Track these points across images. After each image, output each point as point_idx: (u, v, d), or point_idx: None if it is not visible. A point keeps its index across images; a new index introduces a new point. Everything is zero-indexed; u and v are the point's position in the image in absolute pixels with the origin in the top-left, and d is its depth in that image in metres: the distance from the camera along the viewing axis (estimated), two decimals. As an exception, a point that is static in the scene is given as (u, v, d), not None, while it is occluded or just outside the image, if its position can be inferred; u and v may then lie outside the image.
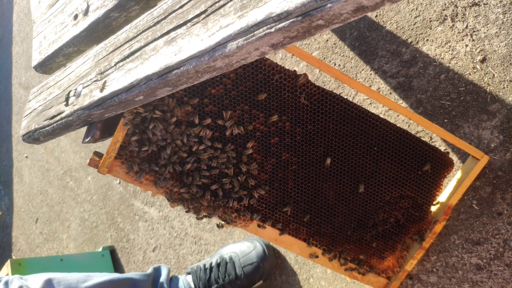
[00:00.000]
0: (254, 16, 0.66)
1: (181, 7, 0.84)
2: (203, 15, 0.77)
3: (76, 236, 3.67)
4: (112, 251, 3.15)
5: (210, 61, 0.75)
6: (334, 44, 1.82)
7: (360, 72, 1.71)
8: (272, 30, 0.64)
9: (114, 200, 3.25)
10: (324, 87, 1.37)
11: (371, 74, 1.67)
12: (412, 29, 1.58)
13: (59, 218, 3.96)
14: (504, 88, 1.35)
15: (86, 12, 1.25)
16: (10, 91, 5.38)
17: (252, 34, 0.67)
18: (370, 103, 1.68)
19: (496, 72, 1.37)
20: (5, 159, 5.13)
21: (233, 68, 0.77)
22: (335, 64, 1.80)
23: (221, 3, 0.73)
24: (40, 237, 4.21)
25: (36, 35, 1.56)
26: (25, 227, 4.53)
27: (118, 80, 0.96)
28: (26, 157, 4.77)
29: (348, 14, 0.59)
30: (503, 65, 1.36)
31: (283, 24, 0.63)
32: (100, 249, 3.16)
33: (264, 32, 0.65)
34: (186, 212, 1.21)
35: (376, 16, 1.70)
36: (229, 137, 1.18)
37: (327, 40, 1.86)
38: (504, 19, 1.35)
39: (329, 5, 0.57)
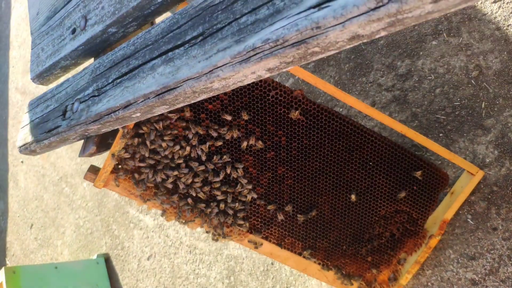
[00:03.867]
0: (251, 41, 0.66)
1: (178, 27, 0.85)
2: (201, 37, 0.77)
3: (70, 243, 3.65)
4: (107, 259, 3.14)
5: (207, 82, 0.75)
6: (330, 56, 1.83)
7: (355, 85, 1.72)
8: (269, 55, 0.65)
9: (109, 207, 3.24)
10: (320, 102, 1.37)
11: (366, 87, 1.68)
12: (407, 43, 1.59)
13: (54, 224, 3.95)
14: (498, 103, 1.37)
15: (84, 27, 1.25)
16: (7, 96, 5.37)
17: (249, 58, 0.67)
18: (366, 115, 1.69)
19: (490, 88, 1.38)
20: (1, 164, 5.11)
21: (230, 89, 0.78)
22: (330, 76, 1.81)
23: (219, 26, 0.74)
24: (35, 243, 4.19)
25: (34, 46, 1.56)
26: (20, 232, 4.50)
27: (115, 97, 0.96)
28: (22, 162, 4.75)
29: (344, 42, 0.59)
30: (498, 80, 1.37)
31: (279, 50, 0.64)
32: (94, 257, 3.15)
33: (260, 57, 0.66)
34: (179, 221, 1.22)
35: (372, 29, 1.71)
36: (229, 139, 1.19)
37: (324, 52, 1.87)
38: (499, 35, 1.37)
39: (325, 33, 0.58)
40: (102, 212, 3.32)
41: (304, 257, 1.37)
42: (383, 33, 0.57)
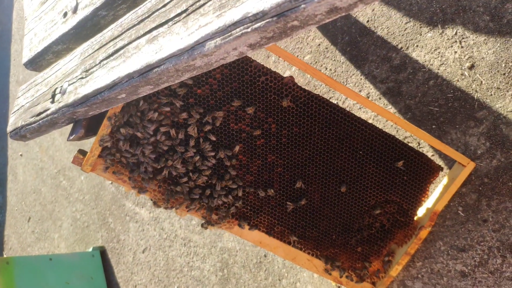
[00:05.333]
0: (232, 16, 0.66)
1: (164, 5, 0.84)
2: (184, 14, 0.77)
3: (67, 236, 3.65)
4: (103, 252, 3.14)
5: (190, 59, 0.75)
6: (326, 48, 1.83)
7: (351, 77, 1.71)
8: (249, 30, 0.64)
9: (106, 200, 3.24)
10: (312, 90, 1.37)
11: (361, 78, 1.67)
12: (402, 35, 1.58)
13: (51, 217, 3.95)
14: (491, 95, 1.36)
15: (75, 10, 1.25)
16: (8, 89, 5.38)
17: (230, 33, 0.67)
18: (360, 108, 1.68)
19: (484, 79, 1.38)
20: (0, 157, 5.12)
21: (213, 67, 0.77)
22: (326, 69, 1.81)
23: (201, 2, 0.74)
24: (32, 236, 4.20)
25: (27, 32, 1.56)
26: (18, 225, 4.51)
27: (101, 78, 0.96)
28: (21, 155, 4.76)
29: (322, 16, 0.59)
30: (491, 72, 1.36)
31: (259, 24, 0.63)
32: (90, 249, 3.15)
33: (241, 32, 0.65)
34: (162, 207, 1.22)
35: (368, 21, 1.70)
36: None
37: (319, 45, 1.86)
38: (493, 26, 1.36)
39: (303, 5, 0.58)
40: (99, 205, 3.32)
41: (293, 245, 1.36)
42: (360, 6, 0.57)
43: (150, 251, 2.72)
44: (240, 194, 1.25)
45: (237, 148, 1.20)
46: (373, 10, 1.69)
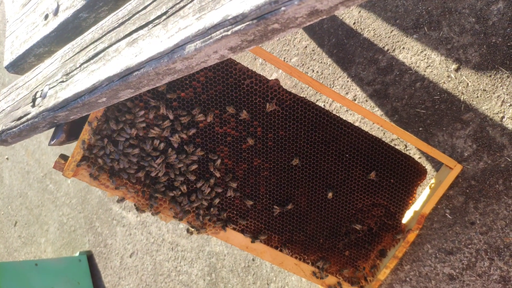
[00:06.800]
0: (211, 18, 0.64)
1: (144, 8, 0.82)
2: (164, 17, 0.75)
3: (54, 240, 3.60)
4: (89, 256, 3.09)
5: (170, 63, 0.73)
6: (313, 50, 1.82)
7: (338, 79, 1.70)
8: (229, 33, 0.63)
9: (93, 204, 3.20)
10: (299, 93, 1.35)
11: (348, 81, 1.67)
12: (389, 37, 1.58)
13: (38, 221, 3.89)
14: (477, 97, 1.36)
15: (56, 12, 1.22)
16: (-7, 92, 5.30)
17: (210, 36, 0.65)
18: (347, 110, 1.67)
19: (470, 81, 1.37)
20: (-14, 161, 5.04)
21: (194, 70, 0.75)
22: (313, 71, 1.80)
23: (181, 4, 0.72)
24: (19, 241, 4.14)
25: (9, 34, 1.53)
26: (4, 230, 4.44)
27: (81, 81, 0.94)
28: (7, 158, 4.69)
29: (303, 18, 0.58)
30: (477, 74, 1.36)
31: (239, 27, 0.61)
32: (77, 254, 3.11)
33: (221, 35, 0.64)
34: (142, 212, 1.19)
35: (354, 23, 1.70)
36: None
37: (306, 47, 1.85)
38: (478, 28, 1.36)
39: (283, 8, 0.56)
40: (86, 209, 3.28)
41: (279, 249, 1.34)
42: (341, 8, 0.56)
43: (138, 255, 2.69)
44: (232, 194, 1.23)
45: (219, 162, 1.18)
46: (360, 12, 1.68)
